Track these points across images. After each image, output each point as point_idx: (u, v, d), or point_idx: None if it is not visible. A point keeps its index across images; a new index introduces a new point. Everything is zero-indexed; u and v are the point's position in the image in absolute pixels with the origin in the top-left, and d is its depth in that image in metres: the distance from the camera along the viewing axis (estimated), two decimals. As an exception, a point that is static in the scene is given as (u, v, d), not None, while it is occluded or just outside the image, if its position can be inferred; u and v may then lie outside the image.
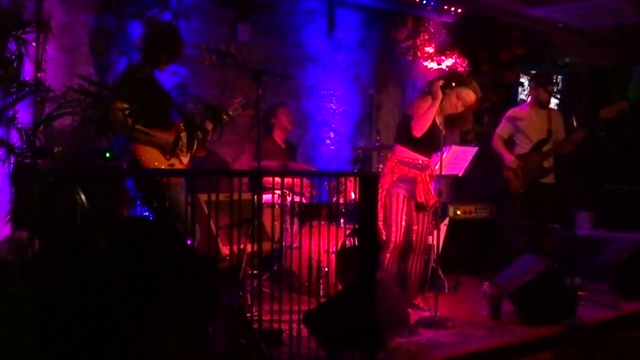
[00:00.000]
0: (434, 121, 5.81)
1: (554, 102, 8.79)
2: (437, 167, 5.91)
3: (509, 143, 7.47)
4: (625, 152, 9.59)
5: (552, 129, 7.32)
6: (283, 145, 7.53)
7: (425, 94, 5.93)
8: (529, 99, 7.67)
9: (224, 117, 5.58)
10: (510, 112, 7.59)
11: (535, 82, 7.62)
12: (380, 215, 5.87)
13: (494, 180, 7.70)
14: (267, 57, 7.82)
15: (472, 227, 8.18)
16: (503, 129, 7.52)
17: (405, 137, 5.93)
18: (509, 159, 7.28)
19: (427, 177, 5.96)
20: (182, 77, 6.71)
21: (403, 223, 5.90)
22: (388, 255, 5.89)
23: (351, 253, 5.69)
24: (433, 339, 5.26)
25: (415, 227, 6.00)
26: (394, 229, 5.88)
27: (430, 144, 5.88)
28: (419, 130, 5.76)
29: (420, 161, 5.92)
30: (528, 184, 7.20)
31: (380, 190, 5.83)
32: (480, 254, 7.73)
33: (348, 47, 8.77)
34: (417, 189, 5.92)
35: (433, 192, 5.96)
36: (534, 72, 8.94)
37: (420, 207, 5.96)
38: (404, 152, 5.92)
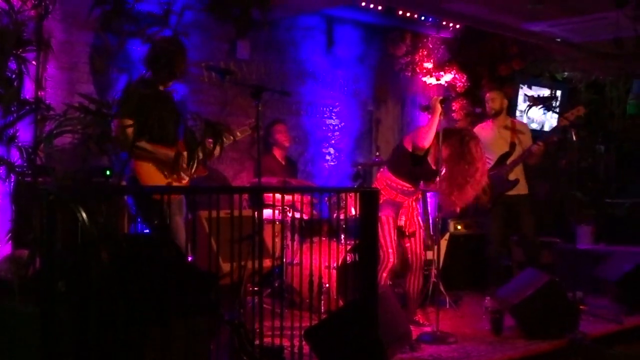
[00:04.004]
0: (426, 159, 5.89)
1: (541, 115, 8.84)
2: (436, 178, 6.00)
3: None
4: (625, 166, 9.60)
5: (517, 141, 7.28)
6: (283, 162, 7.53)
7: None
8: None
9: (231, 138, 5.59)
10: (475, 129, 7.55)
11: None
12: None
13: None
14: (267, 74, 7.86)
15: (473, 242, 8.17)
16: None
17: (395, 167, 6.01)
18: None
19: (414, 203, 6.06)
20: (181, 94, 6.73)
21: (394, 244, 5.95)
22: (384, 275, 5.91)
23: (352, 269, 5.69)
24: (435, 354, 5.24)
25: (408, 245, 6.04)
26: (390, 250, 5.92)
27: (420, 177, 6.01)
28: (427, 140, 5.78)
29: (406, 188, 5.98)
30: (494, 199, 7.17)
31: None
32: (481, 269, 7.72)
33: (347, 63, 8.80)
34: (400, 213, 6.01)
35: (417, 219, 6.06)
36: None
37: (401, 233, 6.02)
38: (392, 178, 5.99)
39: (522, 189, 7.26)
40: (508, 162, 7.23)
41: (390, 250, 5.92)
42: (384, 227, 5.91)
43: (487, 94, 7.49)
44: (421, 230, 6.09)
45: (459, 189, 5.79)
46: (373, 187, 6.10)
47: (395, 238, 5.97)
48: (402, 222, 6.00)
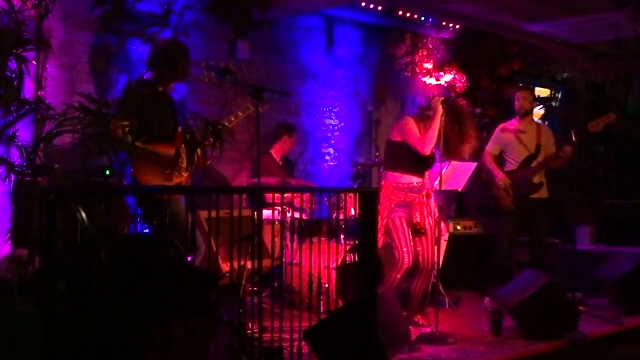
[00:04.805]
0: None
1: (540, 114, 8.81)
2: (435, 183, 5.95)
3: (500, 159, 7.43)
4: (625, 166, 9.60)
5: (541, 144, 7.26)
6: (280, 162, 7.53)
7: (417, 115, 5.98)
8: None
9: (232, 118, 5.58)
10: (499, 127, 7.55)
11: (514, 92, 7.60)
12: (381, 241, 5.90)
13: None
14: (267, 74, 7.85)
15: (472, 243, 8.17)
16: (492, 145, 7.46)
17: (395, 162, 5.98)
18: (499, 176, 7.22)
19: (424, 199, 5.97)
20: (181, 94, 6.73)
21: (412, 244, 5.90)
22: (398, 276, 5.88)
23: (351, 269, 5.69)
24: (434, 354, 5.24)
25: (419, 249, 5.98)
26: (405, 249, 5.87)
27: (421, 163, 5.94)
28: (427, 147, 5.79)
29: (414, 183, 5.93)
30: (518, 200, 7.16)
31: (380, 218, 5.90)
32: (481, 269, 7.72)
33: (347, 63, 8.80)
34: (413, 211, 5.94)
35: (432, 213, 5.96)
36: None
37: (416, 231, 5.96)
38: (397, 177, 5.94)
39: (543, 192, 7.25)
40: (533, 164, 7.20)
41: (404, 250, 5.87)
42: (397, 228, 5.88)
43: (518, 93, 7.39)
44: (434, 230, 6.01)
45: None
46: (380, 193, 6.01)
47: (410, 237, 5.92)
48: (418, 219, 5.92)
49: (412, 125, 5.91)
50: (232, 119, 5.60)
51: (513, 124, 7.40)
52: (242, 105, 5.88)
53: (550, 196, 7.43)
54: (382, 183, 6.05)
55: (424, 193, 5.96)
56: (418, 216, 5.93)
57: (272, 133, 7.59)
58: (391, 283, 5.86)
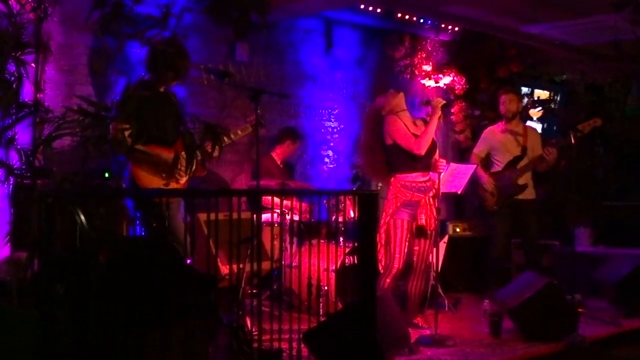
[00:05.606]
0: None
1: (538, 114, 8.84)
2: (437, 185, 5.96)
3: (487, 161, 7.43)
4: (624, 168, 9.59)
5: (528, 145, 7.28)
6: (281, 165, 7.53)
7: (388, 112, 5.99)
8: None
9: (232, 136, 5.58)
10: (487, 130, 7.56)
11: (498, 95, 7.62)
12: (382, 239, 5.89)
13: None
14: (266, 76, 7.85)
15: (472, 245, 8.17)
16: (479, 147, 7.47)
17: (396, 165, 5.97)
18: (484, 178, 7.24)
19: (431, 200, 5.95)
20: (180, 96, 6.72)
21: (405, 250, 5.89)
22: (388, 280, 5.87)
23: (351, 271, 5.68)
24: (434, 357, 5.24)
25: (416, 248, 5.99)
26: (397, 255, 5.85)
27: (421, 159, 5.92)
28: (423, 148, 5.80)
29: (422, 180, 5.93)
30: (502, 201, 7.17)
31: (384, 215, 5.91)
32: (480, 272, 7.72)
33: (346, 65, 8.80)
34: (419, 212, 5.92)
35: (435, 215, 5.94)
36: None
37: (420, 232, 5.95)
38: (404, 177, 5.92)
39: (529, 193, 7.26)
40: (518, 166, 7.21)
41: (397, 256, 5.84)
42: (396, 231, 5.85)
43: (503, 96, 7.38)
44: (434, 232, 6.00)
45: None
46: (388, 190, 6.02)
47: (406, 243, 5.88)
48: (423, 221, 5.92)
49: (398, 125, 5.92)
50: (232, 136, 5.60)
51: (500, 126, 7.42)
52: (242, 124, 5.89)
53: (539, 197, 7.45)
54: (392, 181, 6.04)
55: (430, 194, 5.96)
56: (423, 217, 5.93)
57: (277, 136, 7.59)
58: (381, 287, 5.84)
